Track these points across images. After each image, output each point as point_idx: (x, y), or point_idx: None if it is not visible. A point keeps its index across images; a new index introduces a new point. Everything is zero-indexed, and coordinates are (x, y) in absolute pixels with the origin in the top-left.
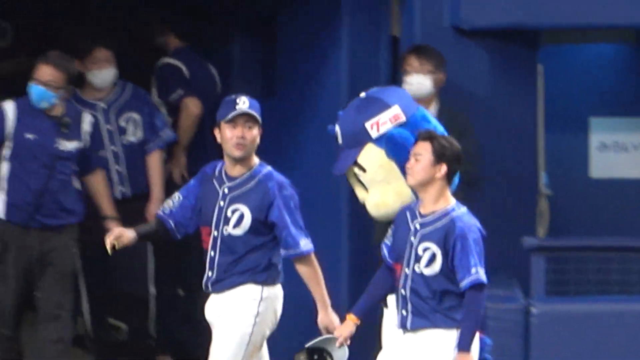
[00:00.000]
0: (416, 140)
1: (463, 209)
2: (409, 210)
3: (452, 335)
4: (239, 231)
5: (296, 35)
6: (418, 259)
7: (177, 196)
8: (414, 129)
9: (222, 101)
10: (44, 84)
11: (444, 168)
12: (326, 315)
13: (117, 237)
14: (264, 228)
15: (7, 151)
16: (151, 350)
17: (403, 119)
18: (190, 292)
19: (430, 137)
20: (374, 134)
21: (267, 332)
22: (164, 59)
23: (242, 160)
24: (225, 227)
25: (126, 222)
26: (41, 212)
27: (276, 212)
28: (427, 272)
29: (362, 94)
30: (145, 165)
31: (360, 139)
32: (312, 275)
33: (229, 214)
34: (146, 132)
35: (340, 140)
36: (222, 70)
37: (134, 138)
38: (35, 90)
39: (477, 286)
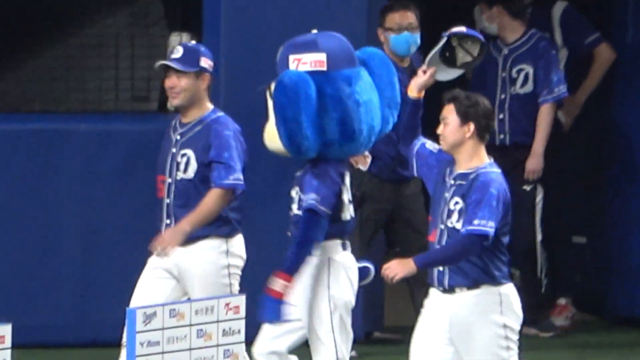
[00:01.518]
0: (442, 104)
1: (495, 169)
2: (447, 166)
3: (492, 293)
4: (189, 174)
5: None
6: (450, 213)
7: None
8: (326, 82)
9: None
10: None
11: (472, 127)
12: (170, 232)
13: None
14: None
15: None
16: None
17: (323, 68)
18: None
19: (452, 98)
20: (292, 68)
21: (239, 276)
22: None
23: (188, 108)
24: (177, 172)
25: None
26: (401, 165)
27: (213, 151)
28: (459, 226)
29: (314, 30)
30: (528, 117)
31: (282, 67)
32: (205, 205)
33: (179, 159)
34: (538, 85)
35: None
36: None
37: (522, 90)
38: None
39: (472, 236)
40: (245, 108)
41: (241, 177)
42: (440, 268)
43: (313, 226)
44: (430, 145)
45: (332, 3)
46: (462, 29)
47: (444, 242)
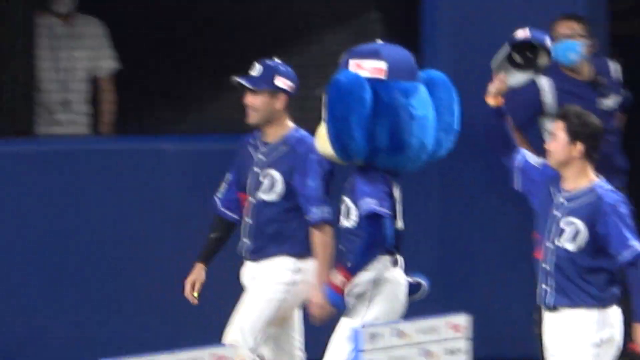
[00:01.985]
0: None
1: (608, 186)
2: (551, 183)
3: (593, 315)
4: (272, 196)
5: None
6: (561, 233)
7: (227, 176)
8: (383, 89)
9: None
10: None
11: (579, 146)
12: (314, 292)
13: (192, 286)
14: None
15: None
16: None
17: (382, 76)
18: None
19: (563, 115)
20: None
21: (298, 303)
22: None
23: (266, 127)
24: (259, 193)
25: None
26: None
27: (297, 178)
28: (570, 247)
29: (379, 41)
30: None
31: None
32: (318, 247)
33: (261, 179)
34: None
35: None
36: None
37: None
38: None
39: (637, 257)
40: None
41: (328, 207)
42: (545, 287)
43: (378, 228)
44: (532, 159)
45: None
46: (525, 34)
47: (551, 262)
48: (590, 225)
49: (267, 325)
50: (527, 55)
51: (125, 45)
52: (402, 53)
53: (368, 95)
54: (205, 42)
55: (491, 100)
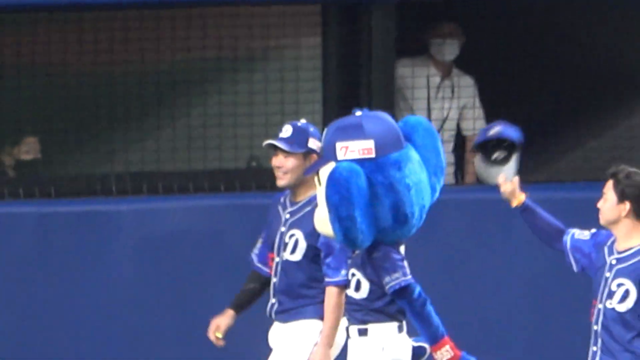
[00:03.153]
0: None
1: None
2: (605, 245)
3: None
4: (296, 257)
5: None
6: (611, 294)
7: (262, 234)
8: (376, 169)
9: None
10: None
11: (627, 206)
12: (319, 353)
13: (216, 330)
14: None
15: None
16: None
17: (372, 155)
18: None
19: (613, 174)
20: (340, 156)
21: None
22: None
23: (296, 188)
24: (284, 253)
25: None
26: None
27: (322, 238)
28: (620, 308)
29: (359, 112)
30: None
31: (329, 154)
32: (332, 308)
33: (286, 239)
34: None
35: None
36: None
37: None
38: None
39: None
40: None
41: (346, 270)
42: (594, 349)
43: (413, 295)
44: (580, 234)
45: None
46: (496, 131)
47: (599, 323)
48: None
49: None
50: (499, 149)
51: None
52: (385, 122)
53: (364, 182)
54: None
55: (513, 203)
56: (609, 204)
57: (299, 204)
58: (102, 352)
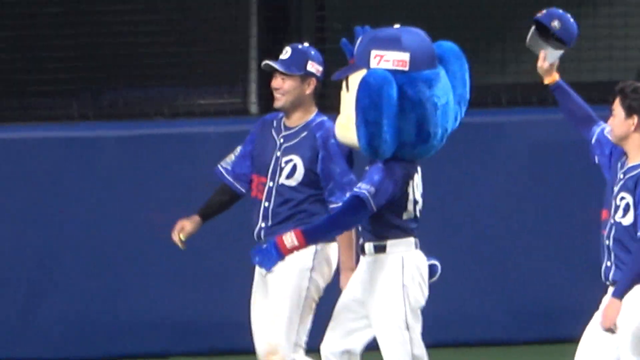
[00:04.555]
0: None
1: None
2: (620, 158)
3: None
4: (292, 182)
5: None
6: (617, 208)
7: (237, 149)
8: (408, 83)
9: None
10: None
11: (636, 120)
12: (346, 279)
13: (180, 231)
14: (319, 180)
15: None
16: None
17: (405, 68)
18: None
19: (620, 89)
20: (373, 64)
21: (323, 286)
22: None
23: (292, 111)
24: (280, 177)
25: None
26: None
27: (321, 165)
28: (624, 222)
29: (397, 25)
30: None
31: (362, 61)
32: (344, 235)
33: (282, 164)
34: None
35: (354, 52)
36: None
37: None
38: None
39: None
40: None
41: (357, 184)
42: (608, 264)
43: (354, 213)
44: (609, 132)
45: None
46: (544, 14)
47: (611, 237)
48: (635, 198)
49: (300, 318)
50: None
51: None
52: (422, 39)
53: (395, 92)
54: None
55: (546, 80)
56: (617, 119)
57: (295, 129)
58: None
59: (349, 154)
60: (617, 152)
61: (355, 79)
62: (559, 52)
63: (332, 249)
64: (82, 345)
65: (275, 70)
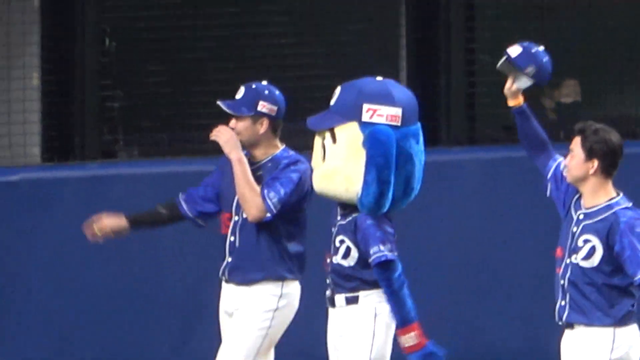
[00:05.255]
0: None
1: (628, 203)
2: (573, 198)
3: (608, 334)
4: None
5: None
6: (577, 249)
7: (203, 182)
8: (401, 138)
9: None
10: None
11: (595, 164)
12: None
13: (99, 224)
14: (284, 213)
15: None
16: None
17: (397, 123)
18: None
19: (580, 131)
20: (365, 117)
21: (283, 329)
22: None
23: (252, 149)
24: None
25: None
26: None
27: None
28: (585, 264)
29: (379, 78)
30: None
31: (350, 114)
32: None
33: None
34: None
35: (332, 102)
36: None
37: None
38: None
39: None
40: None
41: (278, 206)
42: (562, 303)
43: (395, 273)
44: (564, 168)
45: None
46: (514, 51)
47: (566, 278)
48: (606, 243)
49: (256, 355)
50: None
51: None
52: (409, 93)
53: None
54: None
55: (510, 102)
56: (576, 160)
57: (259, 163)
58: None
59: (300, 189)
60: (570, 189)
61: (344, 131)
62: (529, 82)
63: (296, 289)
64: None
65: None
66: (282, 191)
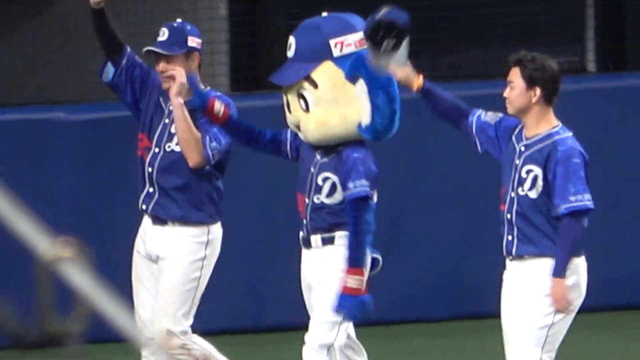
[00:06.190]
0: (509, 66)
1: (568, 133)
2: (512, 133)
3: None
4: (178, 147)
5: None
6: (522, 181)
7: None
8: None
9: None
10: None
11: (538, 92)
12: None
13: None
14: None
15: None
16: None
17: (364, 47)
18: None
19: (518, 61)
20: (336, 52)
21: (210, 272)
22: None
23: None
24: (169, 143)
25: None
26: None
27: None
28: (532, 194)
29: (324, 14)
30: None
31: (320, 55)
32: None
33: (173, 131)
34: None
35: (292, 53)
36: None
37: None
38: None
39: (575, 213)
40: None
41: (217, 156)
42: (510, 238)
43: (367, 213)
44: (487, 116)
45: None
46: (372, 20)
47: (513, 211)
48: (544, 171)
49: (190, 305)
50: (388, 38)
51: None
52: (358, 17)
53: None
54: None
55: (413, 88)
56: (517, 91)
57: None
58: None
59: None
60: (503, 129)
61: (322, 73)
62: (402, 51)
63: (219, 232)
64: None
65: (158, 54)
66: (223, 141)
